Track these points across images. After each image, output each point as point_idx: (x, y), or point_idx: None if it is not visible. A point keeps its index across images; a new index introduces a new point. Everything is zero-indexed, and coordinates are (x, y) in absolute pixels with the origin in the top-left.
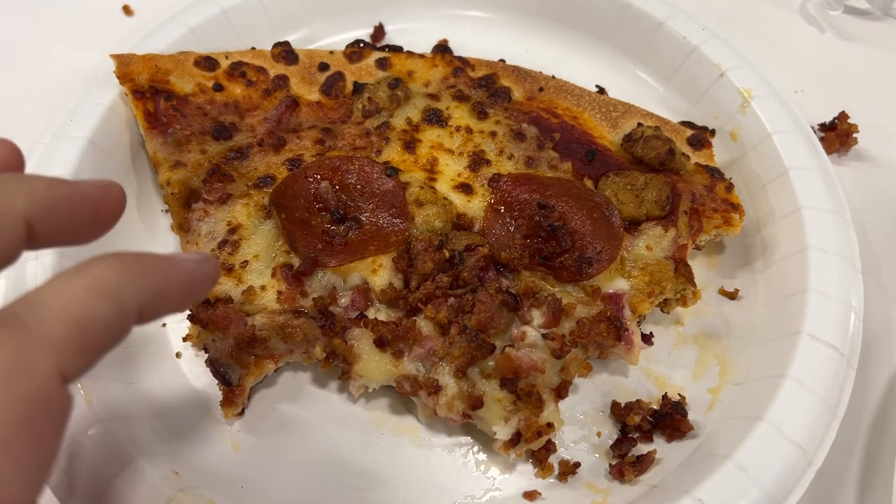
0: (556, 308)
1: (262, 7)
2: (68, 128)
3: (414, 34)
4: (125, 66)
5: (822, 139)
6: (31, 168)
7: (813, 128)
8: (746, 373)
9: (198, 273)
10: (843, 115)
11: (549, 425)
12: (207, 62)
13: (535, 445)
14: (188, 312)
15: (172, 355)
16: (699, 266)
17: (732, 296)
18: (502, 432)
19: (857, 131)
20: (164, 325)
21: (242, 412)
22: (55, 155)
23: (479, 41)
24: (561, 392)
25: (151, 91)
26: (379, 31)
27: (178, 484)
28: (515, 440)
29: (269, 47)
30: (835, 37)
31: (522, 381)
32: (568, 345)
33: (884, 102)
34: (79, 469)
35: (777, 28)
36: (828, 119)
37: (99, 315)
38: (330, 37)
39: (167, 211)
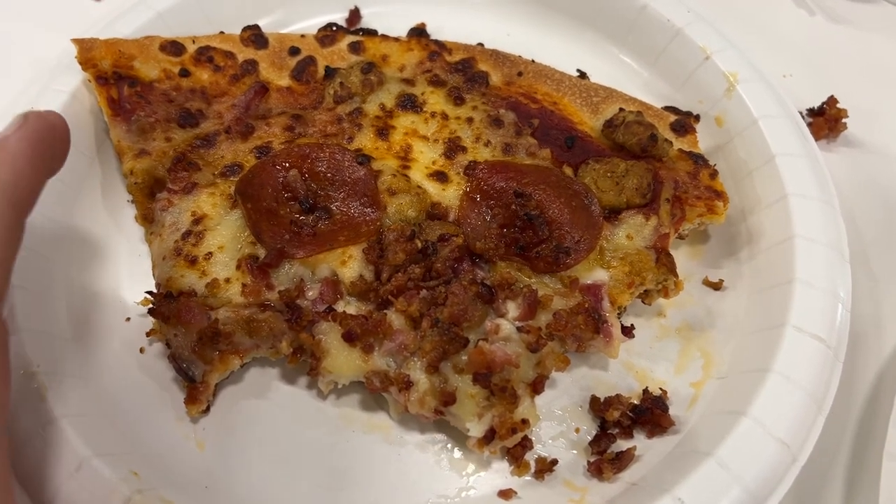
0: (532, 300)
1: None
2: None
3: (391, 17)
4: (87, 52)
5: (810, 125)
6: None
7: (801, 113)
8: (730, 366)
9: (32, 140)
10: (832, 100)
11: (525, 421)
12: (173, 47)
13: (509, 442)
14: (150, 306)
15: (136, 351)
16: (682, 256)
17: (717, 286)
18: (476, 429)
19: (847, 116)
20: (129, 319)
21: (208, 409)
22: None
23: (459, 25)
24: (537, 387)
25: (115, 77)
26: (354, 15)
27: (137, 485)
28: (489, 437)
29: (239, 31)
30: (824, 19)
31: (496, 375)
32: (544, 338)
33: (874, 87)
34: (30, 467)
35: (765, 10)
36: (816, 104)
37: None
38: (304, 20)
39: (132, 201)
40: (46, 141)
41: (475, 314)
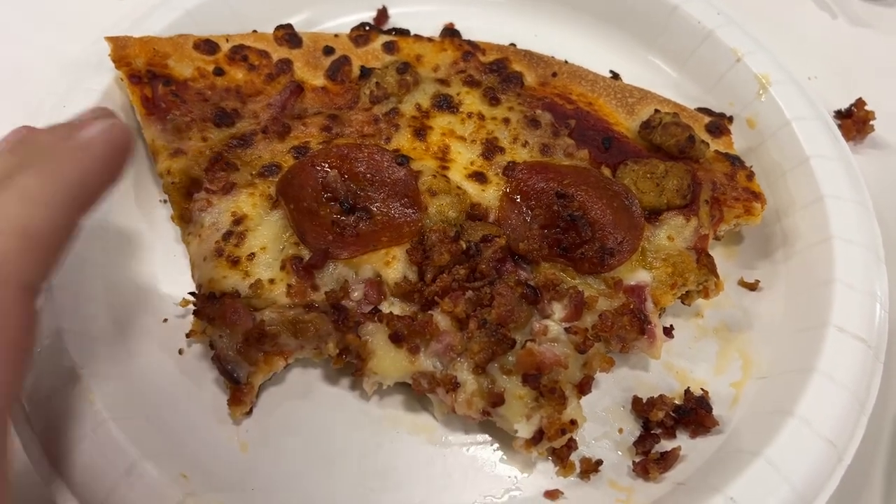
0: (578, 301)
1: None
2: (61, 115)
3: (418, 18)
4: (121, 50)
5: (838, 127)
6: None
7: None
8: (770, 366)
9: (109, 145)
10: (860, 102)
11: (573, 422)
12: (207, 45)
13: (557, 443)
14: (192, 308)
15: (175, 352)
16: (717, 256)
17: (753, 287)
18: (524, 430)
19: (874, 118)
20: (166, 320)
21: (250, 411)
22: None
23: (486, 25)
24: (583, 388)
25: (149, 76)
26: (382, 15)
27: (186, 488)
28: (538, 438)
29: (270, 30)
30: (846, 22)
31: (545, 377)
32: (591, 339)
33: None
34: (80, 471)
35: (788, 13)
36: (841, 106)
37: (39, 221)
38: (331, 20)
39: (165, 201)
40: (120, 148)
41: (521, 315)
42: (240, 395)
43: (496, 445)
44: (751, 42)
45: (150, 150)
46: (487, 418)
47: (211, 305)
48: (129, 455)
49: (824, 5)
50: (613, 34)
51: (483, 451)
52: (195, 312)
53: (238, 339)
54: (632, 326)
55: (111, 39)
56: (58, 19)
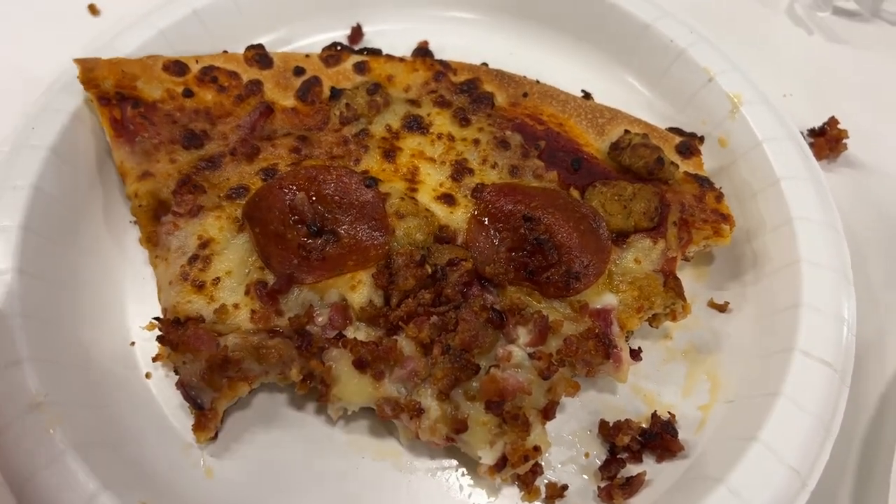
0: (543, 326)
1: (237, 7)
2: (30, 136)
3: (393, 36)
4: (89, 72)
5: (811, 145)
6: None
7: (802, 133)
8: (738, 390)
9: None
10: (832, 121)
11: (536, 448)
12: (177, 67)
13: (521, 470)
14: (158, 333)
15: (142, 376)
16: (687, 277)
17: (722, 308)
18: (487, 457)
19: (847, 137)
20: (133, 343)
21: (216, 436)
22: (16, 165)
23: (461, 43)
24: (548, 413)
25: (118, 97)
26: (357, 33)
27: None
28: (501, 464)
29: (243, 50)
30: (823, 39)
31: (508, 403)
32: (555, 364)
33: (873, 107)
34: (38, 502)
35: (763, 29)
36: (816, 124)
37: None
38: (306, 38)
39: (135, 222)
40: None
41: (486, 340)
42: (204, 420)
43: (462, 471)
44: (723, 61)
45: (118, 172)
46: (451, 444)
47: (175, 331)
48: (90, 485)
49: (800, 21)
50: (588, 52)
51: (449, 476)
52: (159, 338)
53: (202, 365)
54: (597, 351)
55: (80, 61)
56: (33, 35)
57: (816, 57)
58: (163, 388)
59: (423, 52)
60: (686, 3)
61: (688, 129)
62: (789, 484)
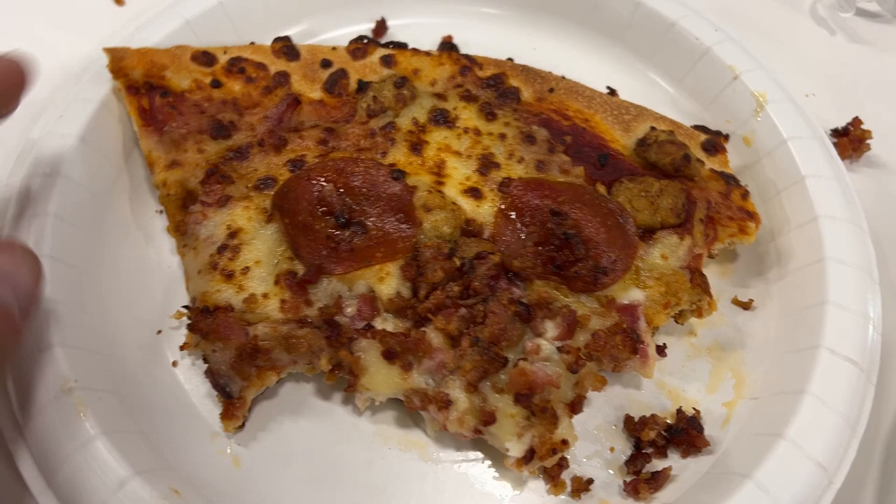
0: (571, 320)
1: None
2: (58, 125)
3: (417, 30)
4: (119, 61)
5: (834, 145)
6: (19, 167)
7: (825, 133)
8: (762, 387)
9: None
10: (856, 121)
11: (564, 442)
12: (205, 57)
13: (548, 463)
14: (187, 321)
15: (168, 364)
16: (711, 274)
17: (746, 306)
18: (515, 449)
19: (871, 137)
20: (160, 332)
21: (243, 425)
22: (44, 153)
23: (484, 38)
24: (575, 407)
25: (146, 87)
26: (381, 27)
27: None
28: (528, 457)
29: (268, 41)
30: (846, 39)
31: (537, 396)
32: (583, 358)
33: (895, 106)
34: (70, 487)
35: (786, 30)
36: (839, 124)
37: None
38: (330, 31)
39: (162, 211)
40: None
41: (514, 333)
42: (232, 409)
43: (488, 462)
44: (749, 59)
45: (146, 162)
46: (479, 436)
47: (204, 319)
48: (120, 471)
49: (822, 21)
50: (612, 49)
51: (474, 469)
52: (189, 326)
53: (231, 354)
54: (624, 346)
55: (109, 50)
56: (59, 24)
57: (839, 57)
58: (190, 377)
59: (449, 46)
60: (708, 3)
61: (712, 127)
62: (817, 480)
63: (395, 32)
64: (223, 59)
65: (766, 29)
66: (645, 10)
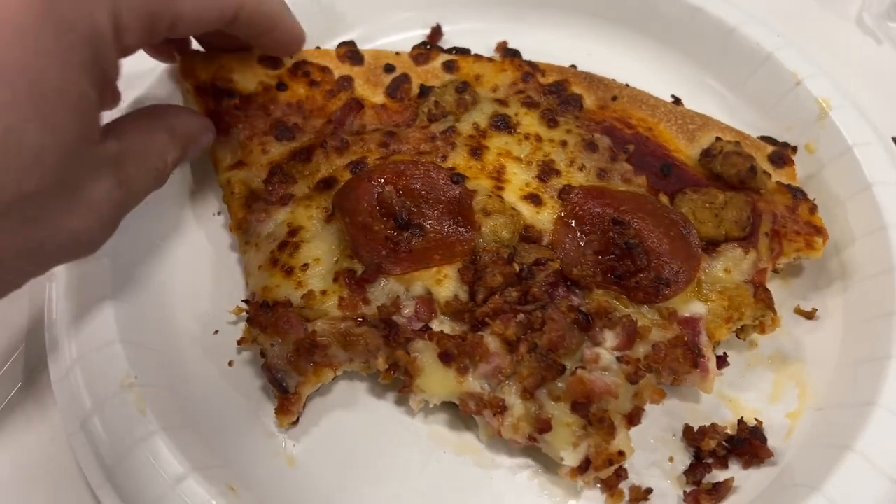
0: (631, 330)
1: (318, 5)
2: None
3: (471, 35)
4: (189, 63)
5: None
6: None
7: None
8: (827, 398)
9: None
10: None
11: (621, 453)
12: (271, 60)
13: (604, 474)
14: (243, 318)
15: (224, 364)
16: (772, 283)
17: (810, 315)
18: (570, 458)
19: None
20: (217, 332)
21: (297, 421)
22: None
23: (538, 43)
24: (633, 419)
25: (214, 89)
26: (436, 32)
27: (234, 501)
28: (584, 467)
29: (323, 46)
30: (892, 48)
31: (594, 405)
32: (643, 370)
33: None
34: (129, 480)
35: (830, 39)
36: (889, 132)
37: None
38: (385, 37)
39: (219, 213)
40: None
41: (572, 341)
42: (287, 404)
43: (541, 470)
44: (810, 65)
45: (212, 162)
46: (533, 444)
47: (264, 314)
48: (178, 466)
49: (869, 31)
50: (669, 55)
51: (529, 476)
52: (248, 320)
53: (289, 349)
54: (685, 359)
55: (181, 53)
56: None
57: (885, 67)
58: (245, 377)
59: (511, 52)
60: (753, 11)
61: (772, 135)
62: (888, 496)
63: (450, 38)
64: (288, 62)
65: (811, 39)
66: (704, 15)
